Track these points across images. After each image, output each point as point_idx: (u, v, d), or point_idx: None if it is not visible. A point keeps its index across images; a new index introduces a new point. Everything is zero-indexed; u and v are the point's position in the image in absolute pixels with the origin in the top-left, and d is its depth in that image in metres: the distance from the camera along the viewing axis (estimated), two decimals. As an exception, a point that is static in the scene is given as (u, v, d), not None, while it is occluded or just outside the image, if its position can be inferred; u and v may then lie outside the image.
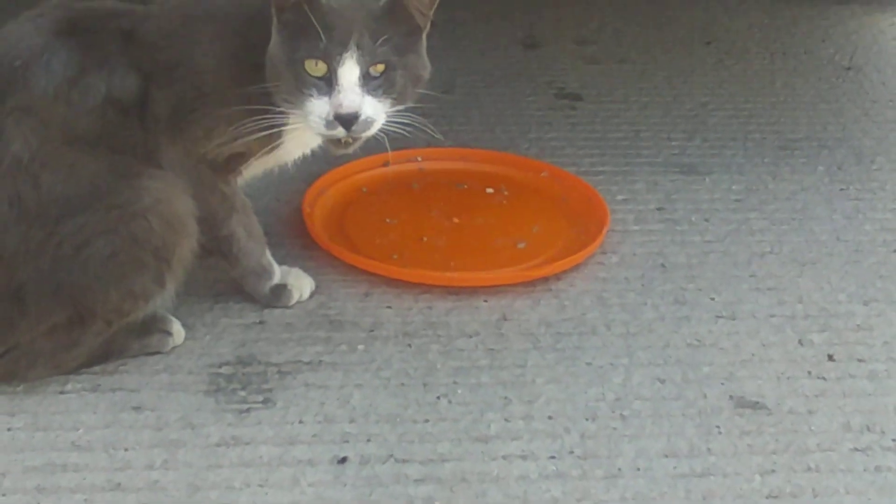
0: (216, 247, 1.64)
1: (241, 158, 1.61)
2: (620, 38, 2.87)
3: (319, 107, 1.45)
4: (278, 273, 1.72)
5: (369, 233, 1.88)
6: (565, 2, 3.09)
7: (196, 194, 1.56)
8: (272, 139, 1.55)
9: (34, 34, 1.51)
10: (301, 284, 1.74)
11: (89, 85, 1.49)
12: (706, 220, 2.02)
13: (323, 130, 1.47)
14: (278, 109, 1.49)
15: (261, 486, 1.39)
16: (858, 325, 1.74)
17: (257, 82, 1.49)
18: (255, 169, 1.67)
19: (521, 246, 1.89)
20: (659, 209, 2.05)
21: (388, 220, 1.91)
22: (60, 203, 1.45)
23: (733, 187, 2.13)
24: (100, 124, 1.49)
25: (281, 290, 1.71)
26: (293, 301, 1.72)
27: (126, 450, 1.44)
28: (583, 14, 3.00)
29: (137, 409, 1.50)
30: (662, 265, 1.88)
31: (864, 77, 2.66)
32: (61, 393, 1.53)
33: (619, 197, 2.08)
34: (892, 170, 2.22)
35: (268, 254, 1.70)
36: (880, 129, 2.40)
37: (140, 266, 1.50)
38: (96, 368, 1.57)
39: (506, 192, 2.04)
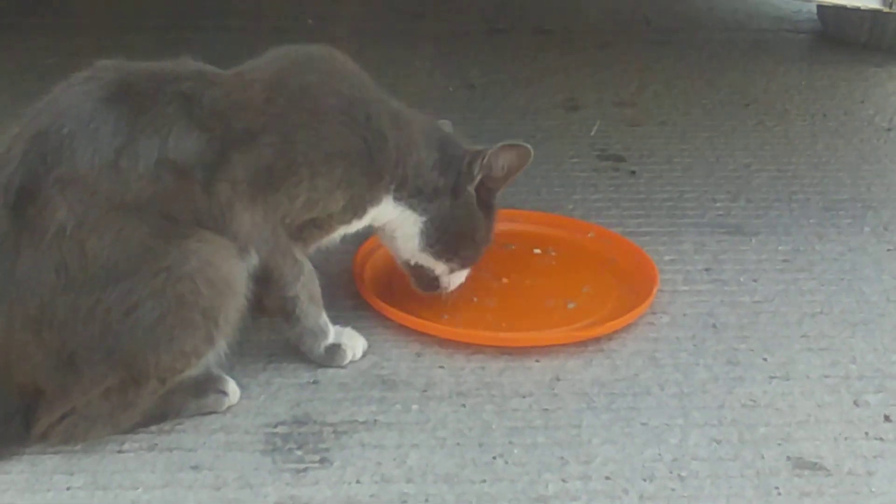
0: (277, 306, 1.66)
1: (318, 231, 1.67)
2: (660, 100, 2.89)
3: (463, 275, 1.84)
4: (333, 333, 1.73)
5: (419, 293, 1.88)
6: (605, 65, 3.12)
7: (268, 256, 1.60)
8: (355, 217, 1.68)
9: (82, 100, 1.51)
10: (354, 344, 1.74)
11: (139, 150, 1.49)
12: (755, 281, 2.01)
13: (452, 287, 1.82)
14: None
15: (320, 546, 1.39)
16: (914, 386, 1.73)
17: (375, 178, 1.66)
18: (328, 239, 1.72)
19: (571, 306, 1.89)
20: (707, 270, 2.05)
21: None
22: (108, 269, 1.46)
23: (780, 248, 2.13)
24: (151, 189, 1.49)
25: (335, 349, 1.72)
26: (347, 360, 1.73)
27: (185, 510, 1.44)
28: (622, 77, 3.03)
29: (195, 468, 1.51)
30: (713, 325, 1.87)
31: (905, 138, 2.67)
32: (119, 452, 1.53)
33: (667, 257, 2.08)
34: (938, 230, 2.22)
35: (324, 315, 1.71)
36: (925, 189, 2.40)
37: (188, 326, 1.50)
38: (153, 428, 1.57)
39: (553, 253, 2.05)
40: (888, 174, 2.47)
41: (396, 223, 1.75)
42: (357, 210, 1.68)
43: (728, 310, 1.92)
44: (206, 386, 1.62)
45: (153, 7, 3.58)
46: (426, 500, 1.46)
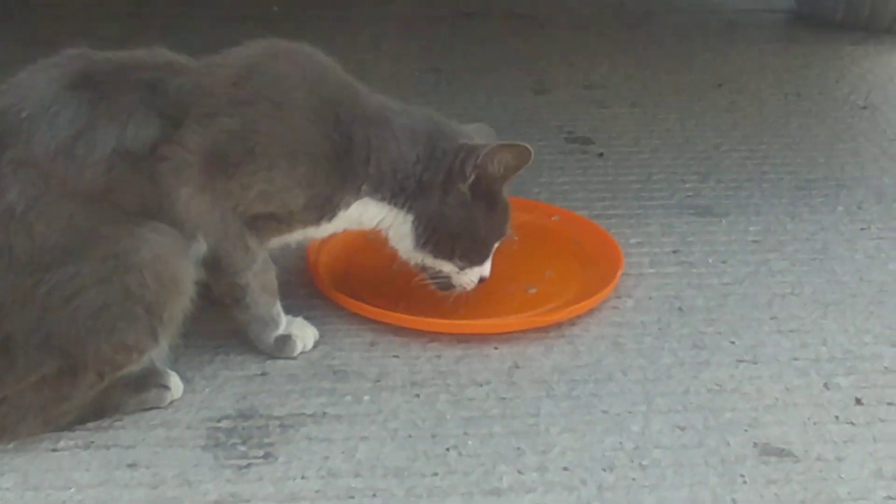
0: (226, 292, 1.60)
1: (278, 226, 1.60)
2: (630, 82, 2.83)
3: (475, 273, 1.71)
4: (284, 324, 1.66)
5: (375, 281, 1.82)
6: (575, 48, 3.06)
7: (216, 243, 1.54)
8: (322, 218, 1.61)
9: (45, 85, 1.47)
10: (305, 335, 1.68)
11: (96, 138, 1.45)
12: (723, 263, 1.95)
13: (469, 287, 1.72)
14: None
15: (261, 545, 1.32)
16: (886, 368, 1.66)
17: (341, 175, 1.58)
18: (286, 240, 1.66)
19: (532, 291, 1.82)
20: (674, 252, 1.98)
21: (394, 268, 1.85)
22: (54, 252, 1.40)
23: (750, 228, 2.07)
24: (103, 179, 1.44)
25: (285, 340, 1.65)
26: (297, 352, 1.66)
27: (120, 509, 1.37)
28: (591, 60, 2.97)
29: (132, 466, 1.44)
30: (680, 309, 1.81)
31: (880, 116, 2.61)
32: (53, 451, 1.46)
33: (633, 240, 2.01)
34: (914, 208, 2.16)
35: (278, 305, 1.65)
36: (900, 167, 2.34)
37: (132, 319, 1.44)
38: (90, 425, 1.50)
39: (516, 237, 1.98)
40: (863, 152, 2.40)
41: (386, 222, 1.67)
42: (322, 212, 1.60)
43: (695, 292, 1.86)
44: (147, 380, 1.55)
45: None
46: (374, 495, 1.39)
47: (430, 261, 1.70)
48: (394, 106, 1.66)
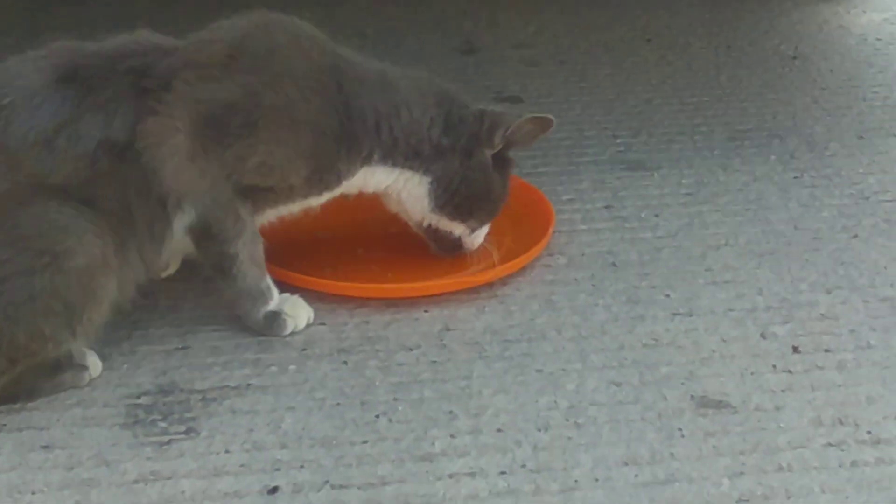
0: (214, 263, 1.55)
1: (274, 197, 1.56)
2: (559, 40, 2.78)
3: (482, 233, 1.74)
4: (276, 300, 1.60)
5: (300, 247, 1.76)
6: (501, 7, 3.00)
7: (205, 211, 1.49)
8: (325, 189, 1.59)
9: (33, 74, 1.43)
10: (297, 314, 1.61)
11: (81, 131, 1.41)
12: (657, 216, 1.92)
13: (475, 247, 1.74)
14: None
15: (183, 523, 1.26)
16: (823, 315, 1.64)
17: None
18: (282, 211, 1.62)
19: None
20: (607, 207, 1.95)
21: (319, 234, 1.79)
22: None
23: (683, 181, 2.04)
24: (84, 173, 1.41)
25: (274, 318, 1.59)
26: (288, 331, 1.59)
27: (34, 493, 1.30)
28: (519, 18, 2.91)
29: (47, 447, 1.37)
30: (613, 264, 1.77)
31: (811, 65, 2.58)
32: (-37, 435, 1.39)
33: (565, 197, 1.97)
34: (846, 156, 2.14)
35: (268, 279, 1.59)
36: (831, 116, 2.31)
37: (53, 315, 1.40)
38: (1, 408, 1.43)
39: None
40: (794, 102, 2.38)
41: (399, 187, 1.65)
42: (324, 183, 1.57)
43: (629, 247, 1.82)
44: (63, 361, 1.48)
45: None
46: (301, 467, 1.34)
47: (443, 223, 1.69)
48: (394, 71, 1.64)
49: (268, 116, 1.48)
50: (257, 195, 1.54)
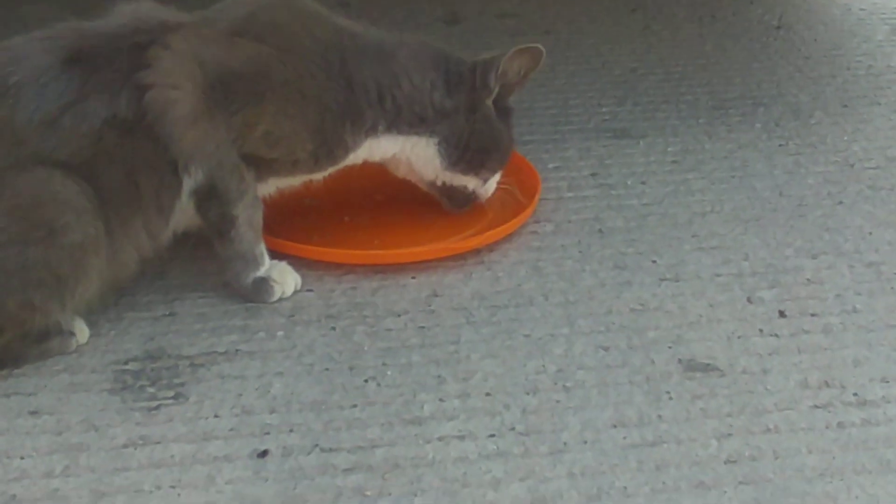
0: (214, 222, 1.54)
1: (278, 167, 1.58)
2: (544, 9, 2.77)
3: (494, 181, 1.76)
4: (266, 266, 1.60)
5: (287, 215, 1.75)
6: (485, -24, 2.99)
7: (212, 172, 1.49)
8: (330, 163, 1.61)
9: (40, 54, 1.44)
10: (284, 280, 1.61)
11: (87, 110, 1.41)
12: (643, 184, 1.92)
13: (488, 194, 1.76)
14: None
15: (173, 487, 1.26)
16: (808, 280, 1.64)
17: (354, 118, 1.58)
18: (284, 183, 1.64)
19: (449, 219, 1.77)
20: (593, 174, 1.95)
21: (306, 201, 1.79)
22: None
23: (669, 149, 2.04)
24: (90, 151, 1.41)
25: (262, 283, 1.59)
26: (275, 297, 1.59)
27: (22, 458, 1.30)
28: (504, -13, 2.90)
29: (35, 413, 1.37)
30: (600, 231, 1.77)
31: (794, 35, 2.59)
32: (-50, 401, 1.39)
33: (551, 165, 1.97)
34: (830, 123, 2.14)
35: (262, 245, 1.59)
36: (815, 84, 2.32)
37: (44, 286, 1.40)
38: (-11, 373, 1.43)
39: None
40: (778, 70, 2.38)
41: (407, 152, 1.66)
42: (330, 157, 1.59)
43: (615, 214, 1.82)
44: (51, 328, 1.47)
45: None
46: (290, 431, 1.34)
47: (458, 179, 1.71)
48: (391, 39, 1.65)
49: (275, 89, 1.49)
50: (262, 164, 1.55)
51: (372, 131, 1.61)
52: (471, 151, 1.67)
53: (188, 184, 1.50)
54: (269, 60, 1.50)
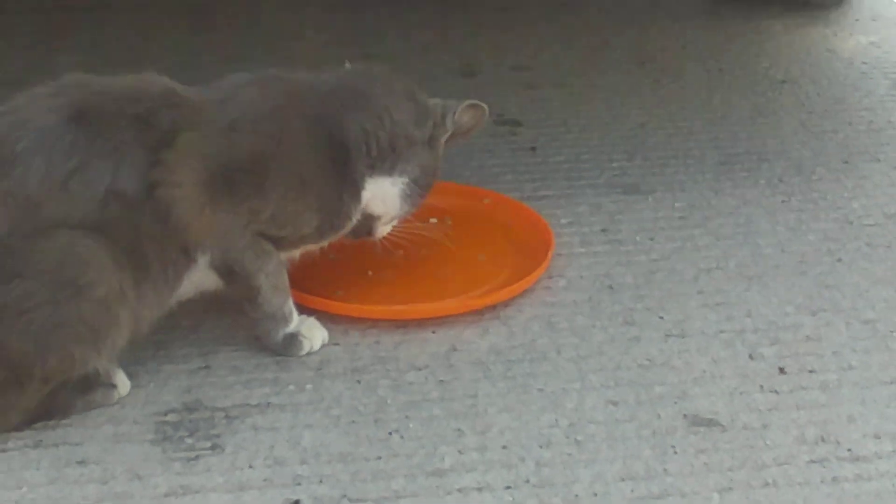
0: (240, 293, 1.64)
1: (286, 245, 1.66)
2: (557, 62, 2.87)
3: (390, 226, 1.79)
4: (295, 322, 1.69)
5: (313, 270, 1.84)
6: (502, 29, 3.10)
7: (225, 254, 1.58)
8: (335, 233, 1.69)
9: (44, 117, 1.48)
10: (313, 335, 1.70)
11: (90, 176, 1.47)
12: (651, 240, 2.01)
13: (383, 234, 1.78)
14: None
15: (212, 534, 1.36)
16: (807, 337, 1.74)
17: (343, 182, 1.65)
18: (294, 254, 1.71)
19: (467, 275, 1.87)
20: (603, 230, 2.04)
21: (331, 257, 1.88)
22: (20, 264, 1.44)
23: (676, 205, 2.14)
24: (97, 215, 1.47)
25: (292, 339, 1.68)
26: (304, 352, 1.69)
27: (72, 506, 1.40)
28: (518, 41, 3.00)
29: (82, 463, 1.46)
30: (610, 286, 1.87)
31: (799, 89, 2.68)
32: (2, 451, 1.48)
33: (564, 220, 2.07)
34: (832, 180, 2.24)
35: (290, 303, 1.68)
36: (818, 140, 2.42)
37: (80, 339, 1.47)
38: (38, 424, 1.53)
39: (449, 222, 2.03)
40: (782, 126, 2.48)
41: (373, 193, 1.70)
42: (333, 229, 1.68)
43: (624, 269, 1.92)
44: (94, 380, 1.56)
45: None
46: (320, 481, 1.44)
47: (387, 215, 1.74)
48: (362, 76, 1.72)
49: (274, 178, 1.58)
50: (272, 240, 1.64)
51: (361, 188, 1.67)
52: (421, 189, 1.72)
53: (203, 261, 1.58)
54: (266, 152, 1.58)
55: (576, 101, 2.62)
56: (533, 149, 2.38)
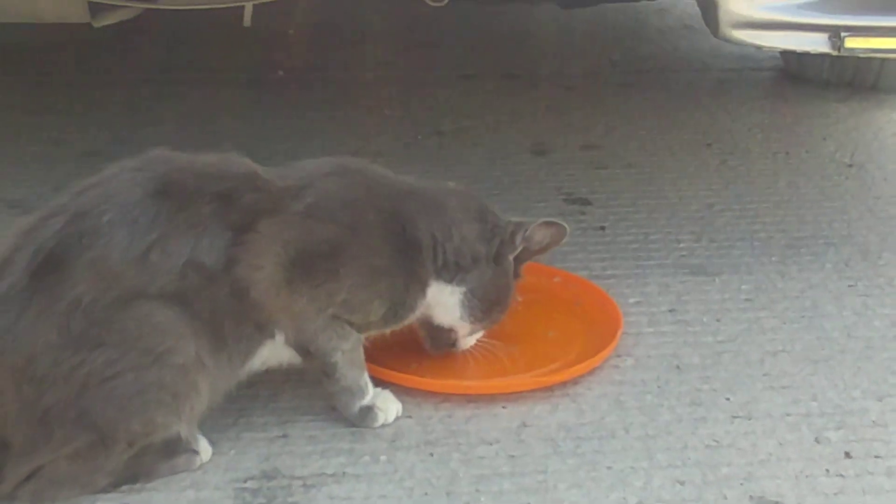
0: (317, 369, 1.71)
1: (354, 327, 1.72)
2: (626, 142, 2.93)
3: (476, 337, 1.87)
4: (371, 395, 1.75)
5: (388, 343, 1.90)
6: (571, 108, 3.17)
7: (299, 335, 1.66)
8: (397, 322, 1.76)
9: (128, 190, 1.57)
10: (387, 407, 1.76)
11: (170, 248, 1.55)
12: (718, 321, 2.05)
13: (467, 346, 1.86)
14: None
15: None
16: (874, 422, 1.76)
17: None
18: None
19: (537, 352, 1.91)
20: (671, 311, 2.08)
21: (405, 331, 1.94)
22: (103, 333, 1.51)
23: (743, 287, 2.17)
24: (175, 285, 1.55)
25: (368, 411, 1.74)
26: (378, 423, 1.75)
27: (156, 568, 1.46)
28: (588, 120, 3.07)
29: (166, 526, 1.53)
30: (677, 367, 1.91)
31: (865, 173, 2.71)
32: (91, 513, 1.55)
33: (632, 300, 2.11)
34: (898, 265, 2.26)
35: (366, 376, 1.74)
36: (885, 225, 2.44)
37: (161, 404, 1.54)
38: (123, 487, 1.59)
39: (519, 299, 2.07)
40: (849, 210, 2.51)
41: (432, 299, 1.78)
42: (396, 318, 1.75)
43: (691, 350, 1.95)
44: (177, 446, 1.63)
45: (124, 62, 3.61)
46: (394, 551, 1.48)
47: (463, 328, 1.83)
48: (439, 189, 1.81)
49: (348, 265, 1.65)
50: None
51: (427, 286, 1.75)
52: (486, 302, 1.79)
53: (280, 338, 1.66)
54: (342, 241, 1.65)
55: (644, 181, 2.67)
56: (602, 228, 2.43)
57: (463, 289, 1.77)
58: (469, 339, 1.86)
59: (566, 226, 1.80)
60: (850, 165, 2.77)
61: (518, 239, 1.78)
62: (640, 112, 3.15)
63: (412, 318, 1.78)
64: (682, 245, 2.35)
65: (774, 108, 3.17)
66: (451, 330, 1.83)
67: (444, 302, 1.79)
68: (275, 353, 1.69)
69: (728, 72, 3.55)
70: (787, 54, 3.46)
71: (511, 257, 1.80)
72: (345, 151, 1.94)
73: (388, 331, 1.78)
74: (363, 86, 3.37)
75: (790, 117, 3.11)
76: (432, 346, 1.87)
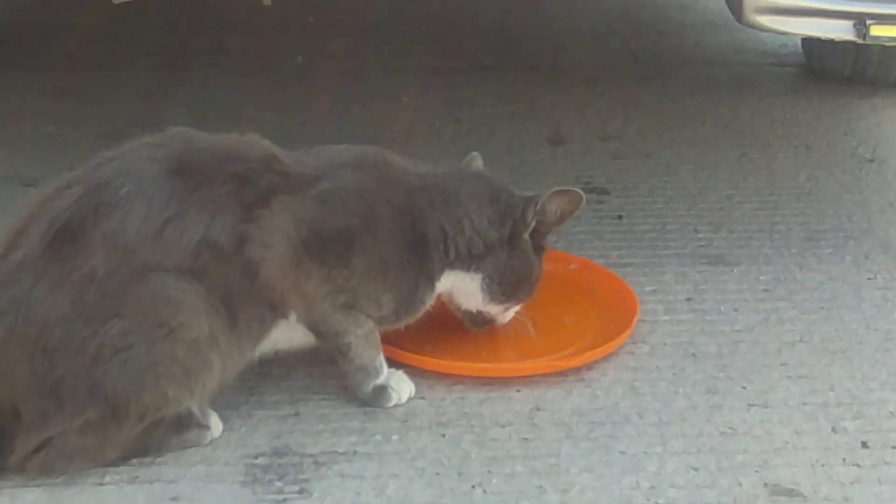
0: (332, 349, 1.71)
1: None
2: (645, 134, 2.91)
3: (514, 309, 1.85)
4: (385, 375, 1.74)
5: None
6: (591, 100, 3.14)
7: (310, 317, 1.66)
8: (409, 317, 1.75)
9: (147, 165, 1.58)
10: (401, 388, 1.75)
11: (186, 225, 1.55)
12: (735, 311, 2.03)
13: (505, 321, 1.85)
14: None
15: (298, 576, 1.40)
16: (891, 413, 1.74)
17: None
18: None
19: (552, 337, 1.90)
20: (688, 300, 2.07)
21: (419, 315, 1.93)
22: (116, 305, 1.51)
23: (761, 278, 2.15)
24: (189, 263, 1.55)
25: (381, 391, 1.74)
26: (392, 403, 1.74)
27: (164, 541, 1.45)
28: (608, 111, 3.05)
29: (175, 500, 1.52)
30: (693, 355, 1.89)
31: (887, 169, 2.69)
32: (100, 485, 1.55)
33: (648, 288, 2.10)
34: (918, 259, 2.24)
35: (381, 357, 1.74)
36: (905, 219, 2.42)
37: (173, 378, 1.54)
38: (134, 460, 1.59)
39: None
40: (869, 204, 2.49)
41: (453, 287, 1.79)
42: (408, 313, 1.74)
43: (708, 339, 1.94)
44: (188, 420, 1.63)
45: (142, 45, 3.60)
46: (404, 530, 1.47)
47: (490, 308, 1.82)
48: (452, 176, 1.80)
49: (359, 255, 1.65)
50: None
51: (438, 278, 1.75)
52: (506, 285, 1.78)
53: (293, 318, 1.65)
54: (354, 230, 1.65)
55: (663, 172, 2.65)
56: (619, 217, 2.41)
57: (481, 275, 1.76)
58: (504, 315, 1.85)
59: (580, 192, 1.78)
60: (872, 160, 2.74)
61: (530, 215, 1.76)
62: (661, 104, 3.13)
63: (422, 312, 1.76)
64: (700, 235, 2.33)
65: (796, 104, 3.14)
66: (487, 313, 1.83)
67: (465, 289, 1.78)
68: (288, 334, 1.68)
69: (750, 67, 3.52)
70: (809, 49, 3.43)
71: (526, 235, 1.77)
72: (362, 138, 1.92)
73: (402, 325, 1.77)
74: (382, 74, 3.36)
75: (811, 112, 3.08)
76: (472, 325, 1.86)
